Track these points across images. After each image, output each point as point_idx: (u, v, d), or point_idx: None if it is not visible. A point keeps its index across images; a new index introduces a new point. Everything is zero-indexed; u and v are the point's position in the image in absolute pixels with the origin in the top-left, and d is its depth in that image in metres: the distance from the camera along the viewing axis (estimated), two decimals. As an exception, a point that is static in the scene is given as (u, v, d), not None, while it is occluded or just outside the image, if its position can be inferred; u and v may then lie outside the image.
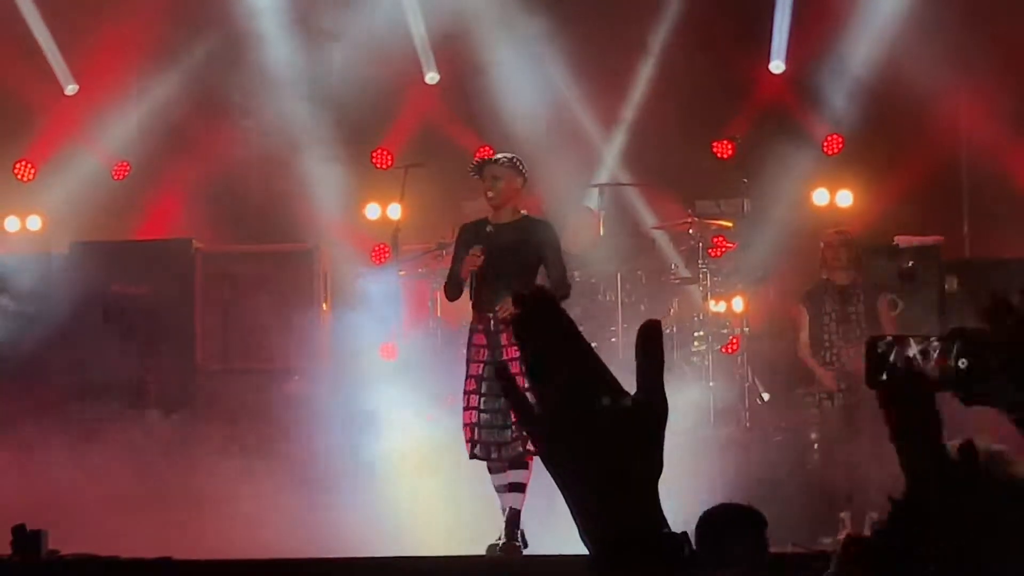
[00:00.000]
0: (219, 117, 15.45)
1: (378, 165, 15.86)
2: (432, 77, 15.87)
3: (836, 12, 15.22)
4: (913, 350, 2.60)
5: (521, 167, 10.54)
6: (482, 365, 10.22)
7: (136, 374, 12.96)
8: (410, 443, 12.41)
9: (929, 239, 14.28)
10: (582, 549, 2.18)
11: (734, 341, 13.39)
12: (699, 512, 5.78)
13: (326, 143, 15.40)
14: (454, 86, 15.65)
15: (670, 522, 2.18)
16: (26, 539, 9.54)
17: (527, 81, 14.91)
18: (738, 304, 13.59)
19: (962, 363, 2.57)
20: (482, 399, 10.18)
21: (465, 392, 10.30)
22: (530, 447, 9.89)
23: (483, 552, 10.23)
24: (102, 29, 15.44)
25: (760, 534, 5.48)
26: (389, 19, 15.41)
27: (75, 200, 15.36)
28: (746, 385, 13.19)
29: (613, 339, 12.76)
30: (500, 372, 2.28)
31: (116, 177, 15.99)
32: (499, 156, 10.72)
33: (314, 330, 13.40)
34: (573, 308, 12.18)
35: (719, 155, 15.48)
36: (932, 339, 2.60)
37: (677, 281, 13.78)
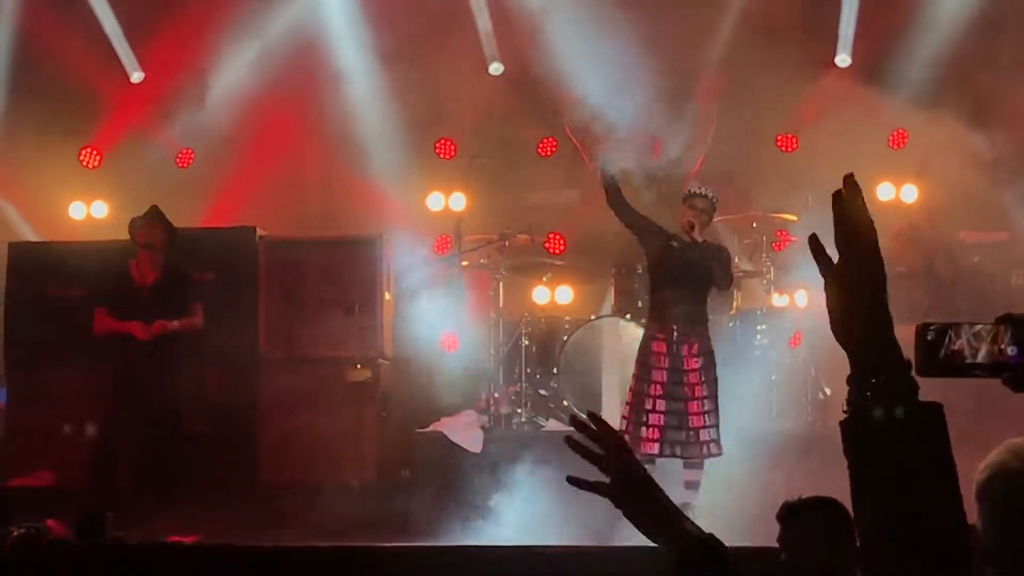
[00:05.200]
0: (283, 105, 15.49)
1: (441, 155, 15.88)
2: (496, 67, 15.85)
3: (903, 5, 15.11)
4: (964, 337, 2.57)
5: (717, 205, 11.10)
6: (665, 372, 10.85)
7: (199, 362, 12.97)
8: (475, 432, 12.42)
9: (995, 235, 14.17)
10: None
11: (798, 335, 13.31)
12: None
13: (390, 132, 15.43)
14: (518, 77, 15.61)
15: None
16: (90, 524, 9.59)
17: (592, 72, 14.85)
18: (801, 298, 13.52)
19: (1011, 350, 2.54)
20: (667, 403, 10.79)
21: (650, 396, 10.85)
22: (706, 451, 10.80)
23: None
24: (168, 17, 15.51)
25: (845, 522, 5.44)
26: (451, 9, 15.40)
27: (140, 187, 15.43)
28: (809, 380, 13.11)
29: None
30: None
31: (181, 165, 16.10)
32: (707, 191, 11.06)
33: (376, 319, 13.39)
34: (636, 302, 12.16)
35: (784, 148, 15.43)
36: (982, 326, 2.58)
37: (740, 274, 13.70)
